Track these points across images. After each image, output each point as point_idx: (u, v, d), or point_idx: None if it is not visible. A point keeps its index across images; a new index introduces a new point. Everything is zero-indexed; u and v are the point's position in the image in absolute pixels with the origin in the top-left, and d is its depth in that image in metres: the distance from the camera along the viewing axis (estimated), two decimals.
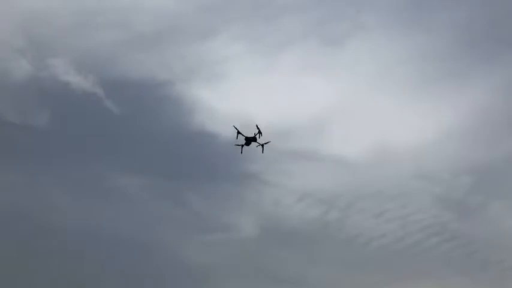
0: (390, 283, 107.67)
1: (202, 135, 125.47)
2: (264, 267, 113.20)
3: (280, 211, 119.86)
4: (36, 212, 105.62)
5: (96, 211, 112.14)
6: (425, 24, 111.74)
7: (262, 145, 24.74)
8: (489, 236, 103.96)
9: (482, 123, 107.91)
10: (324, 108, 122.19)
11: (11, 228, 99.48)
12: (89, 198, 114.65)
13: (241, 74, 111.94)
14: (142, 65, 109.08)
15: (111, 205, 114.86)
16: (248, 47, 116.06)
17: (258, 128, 24.67)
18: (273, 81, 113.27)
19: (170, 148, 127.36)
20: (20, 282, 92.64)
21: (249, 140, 24.40)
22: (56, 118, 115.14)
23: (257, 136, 24.58)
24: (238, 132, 24.66)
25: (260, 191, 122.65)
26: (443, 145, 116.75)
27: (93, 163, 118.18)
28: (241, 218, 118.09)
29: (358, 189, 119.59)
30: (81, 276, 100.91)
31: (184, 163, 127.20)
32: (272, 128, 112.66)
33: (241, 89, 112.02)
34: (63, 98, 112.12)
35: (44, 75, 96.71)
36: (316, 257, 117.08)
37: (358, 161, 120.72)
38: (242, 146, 24.36)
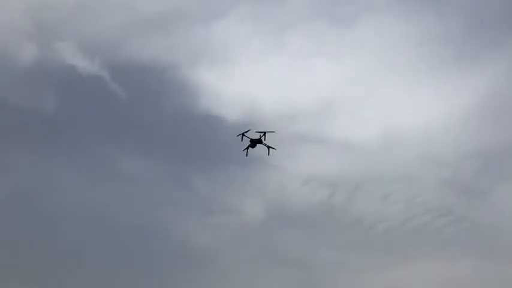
0: (395, 265, 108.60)
1: (208, 119, 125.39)
2: (269, 250, 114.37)
3: (285, 194, 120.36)
4: (43, 195, 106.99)
5: (102, 193, 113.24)
6: (436, 6, 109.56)
7: (269, 147, 24.50)
8: (495, 218, 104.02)
9: (491, 107, 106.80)
10: (331, 90, 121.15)
11: (18, 212, 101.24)
12: (95, 181, 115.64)
13: (247, 57, 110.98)
14: (148, 48, 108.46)
15: (116, 187, 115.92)
16: (254, 28, 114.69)
17: (261, 132, 24.42)
18: (280, 64, 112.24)
19: (176, 131, 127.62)
20: (26, 263, 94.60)
21: (254, 142, 24.07)
22: (62, 101, 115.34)
23: (262, 138, 24.25)
24: (243, 135, 24.34)
25: (265, 174, 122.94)
26: (451, 128, 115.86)
27: (100, 146, 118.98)
28: (247, 201, 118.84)
29: (364, 172, 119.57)
30: (86, 258, 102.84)
31: (189, 146, 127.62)
32: (278, 111, 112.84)
33: (247, 71, 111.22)
34: (70, 81, 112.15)
35: (50, 58, 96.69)
36: (321, 240, 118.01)
37: (364, 144, 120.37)
38: (247, 148, 24.04)
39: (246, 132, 24.11)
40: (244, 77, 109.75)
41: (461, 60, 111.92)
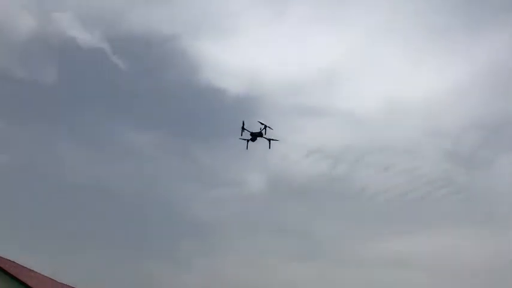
0: (396, 235, 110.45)
1: (210, 91, 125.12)
2: (271, 221, 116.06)
3: (287, 166, 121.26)
4: (45, 168, 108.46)
5: (104, 166, 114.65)
6: None
7: (269, 140, 23.98)
8: (496, 189, 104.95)
9: (494, 78, 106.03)
10: (333, 61, 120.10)
11: (20, 185, 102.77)
12: (97, 154, 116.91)
13: (249, 27, 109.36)
14: (148, 19, 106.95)
15: (118, 160, 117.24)
16: None
17: (262, 124, 23.92)
18: (282, 34, 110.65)
19: (177, 104, 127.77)
20: (27, 234, 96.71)
21: (255, 136, 23.49)
22: (62, 74, 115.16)
23: (263, 132, 23.69)
24: (243, 128, 23.77)
25: (267, 146, 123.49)
26: (454, 99, 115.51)
27: (101, 119, 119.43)
28: (248, 173, 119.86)
29: (366, 144, 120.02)
30: (89, 230, 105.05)
31: (191, 119, 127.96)
32: (280, 82, 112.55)
33: (249, 42, 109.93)
34: (70, 53, 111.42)
35: (49, 30, 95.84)
36: (323, 211, 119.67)
37: (367, 115, 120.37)
38: (247, 141, 23.48)
39: (243, 127, 23.56)
40: (246, 48, 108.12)
41: (465, 30, 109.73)
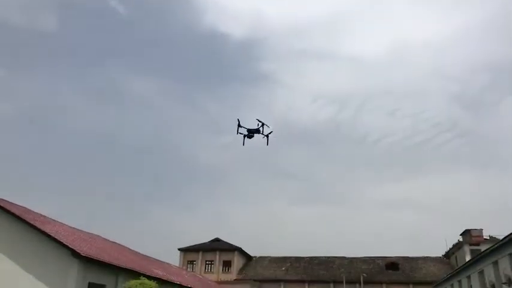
0: (399, 179, 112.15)
1: (214, 36, 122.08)
2: (275, 166, 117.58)
3: (292, 112, 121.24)
4: (51, 117, 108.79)
5: (111, 115, 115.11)
6: None
7: (267, 135, 23.03)
8: (500, 132, 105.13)
9: (502, 20, 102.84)
10: (338, 4, 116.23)
11: (26, 134, 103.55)
12: (103, 102, 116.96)
13: None
14: None
15: (125, 109, 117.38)
16: None
17: (260, 122, 22.88)
18: None
19: (181, 50, 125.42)
20: (34, 182, 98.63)
21: (252, 132, 22.51)
22: (62, 22, 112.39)
23: (260, 128, 22.68)
24: (239, 125, 22.72)
25: (273, 92, 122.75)
26: (462, 42, 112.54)
27: (105, 67, 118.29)
28: (254, 119, 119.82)
29: (372, 88, 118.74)
30: (98, 178, 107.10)
31: (196, 65, 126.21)
32: (284, 26, 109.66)
33: None
34: (69, 0, 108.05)
35: None
36: (327, 156, 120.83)
37: (372, 59, 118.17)
38: (244, 137, 22.52)
39: (239, 125, 22.65)
40: None
41: None
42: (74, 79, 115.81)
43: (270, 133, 22.22)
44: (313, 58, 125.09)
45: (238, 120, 22.05)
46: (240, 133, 21.97)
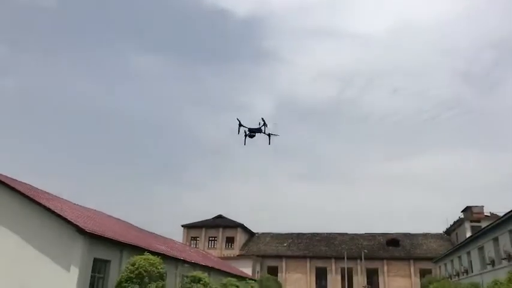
0: (401, 156, 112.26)
1: (216, 12, 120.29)
2: (279, 144, 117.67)
3: (296, 90, 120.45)
4: (53, 92, 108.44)
5: (112, 90, 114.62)
6: None
7: (269, 135, 22.68)
8: (504, 109, 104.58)
9: None
10: None
11: (29, 108, 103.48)
12: (105, 77, 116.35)
13: None
14: None
15: (126, 84, 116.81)
16: None
17: (263, 121, 22.51)
18: None
19: (183, 27, 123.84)
20: (38, 158, 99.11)
21: (253, 131, 22.21)
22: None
23: (262, 128, 22.33)
24: (240, 125, 22.37)
25: (276, 70, 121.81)
26: (467, 20, 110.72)
27: (107, 42, 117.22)
28: (257, 98, 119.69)
29: (376, 66, 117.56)
30: (98, 154, 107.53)
31: (199, 42, 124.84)
32: (289, 3, 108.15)
33: None
34: None
35: None
36: (329, 134, 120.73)
37: (377, 37, 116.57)
38: (245, 137, 22.22)
39: (240, 124, 22.34)
40: None
41: None
42: (75, 56, 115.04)
43: (274, 135, 22.11)
44: (316, 36, 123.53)
45: (238, 120, 21.94)
46: (243, 132, 21.88)
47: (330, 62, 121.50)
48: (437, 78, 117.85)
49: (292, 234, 63.50)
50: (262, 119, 22.62)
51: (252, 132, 22.30)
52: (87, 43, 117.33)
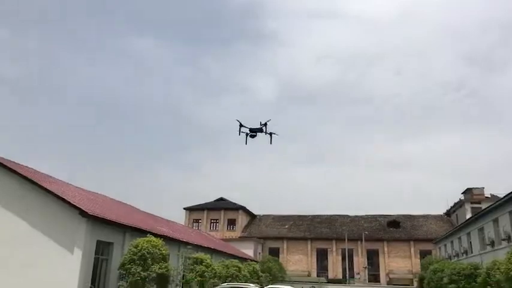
0: (406, 138, 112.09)
1: None
2: (280, 127, 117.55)
3: (297, 72, 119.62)
4: (53, 77, 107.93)
5: (112, 75, 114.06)
6: None
7: (271, 135, 22.53)
8: (508, 91, 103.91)
9: None
10: None
11: (28, 96, 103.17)
12: (105, 62, 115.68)
13: None
14: None
15: (126, 68, 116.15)
16: None
17: (265, 123, 22.37)
18: None
19: (184, 9, 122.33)
20: (41, 145, 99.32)
21: (254, 131, 22.09)
22: None
23: (263, 128, 22.20)
24: (241, 125, 22.20)
25: (277, 53, 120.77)
26: (471, 0, 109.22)
27: (106, 26, 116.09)
28: (258, 81, 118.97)
29: (379, 47, 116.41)
30: (98, 137, 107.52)
31: (199, 24, 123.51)
32: None
33: None
34: None
35: None
36: (331, 116, 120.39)
37: (381, 19, 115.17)
38: (246, 136, 22.07)
39: (241, 124, 22.19)
40: None
41: None
42: (74, 40, 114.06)
43: (275, 134, 22.09)
44: (318, 17, 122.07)
45: (238, 121, 21.91)
46: (242, 132, 21.87)
47: (331, 43, 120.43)
48: (441, 60, 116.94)
49: (293, 216, 64.01)
50: (261, 122, 22.67)
51: (252, 132, 22.37)
52: (85, 27, 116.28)
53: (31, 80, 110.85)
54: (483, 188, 52.37)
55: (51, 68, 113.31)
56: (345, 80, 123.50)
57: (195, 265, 22.72)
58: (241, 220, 62.02)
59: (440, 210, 61.69)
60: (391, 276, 53.97)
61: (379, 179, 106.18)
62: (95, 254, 17.70)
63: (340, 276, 54.47)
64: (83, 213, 16.82)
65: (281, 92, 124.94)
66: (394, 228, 58.31)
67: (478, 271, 22.29)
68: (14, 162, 19.63)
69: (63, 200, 17.20)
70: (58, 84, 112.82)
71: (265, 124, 22.36)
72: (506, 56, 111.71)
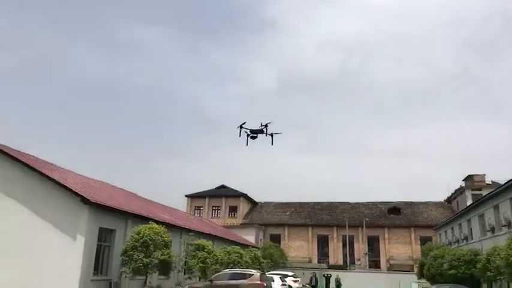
0: (407, 126, 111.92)
1: None
2: (281, 116, 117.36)
3: (298, 61, 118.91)
4: (55, 64, 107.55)
5: (114, 62, 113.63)
6: None
7: (272, 135, 22.40)
8: (509, 78, 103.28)
9: None
10: None
11: (31, 81, 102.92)
12: (106, 50, 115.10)
13: None
14: None
15: (128, 56, 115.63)
16: None
17: (266, 125, 22.21)
18: None
19: None
20: (43, 133, 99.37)
21: (255, 133, 21.96)
22: None
23: (264, 129, 22.06)
24: (241, 127, 22.04)
25: (279, 40, 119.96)
26: None
27: (108, 14, 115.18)
28: (259, 69, 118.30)
29: (381, 35, 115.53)
30: (102, 124, 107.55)
31: (200, 12, 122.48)
32: None
33: None
34: None
35: None
36: (331, 104, 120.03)
37: (383, 6, 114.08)
38: (247, 137, 21.94)
39: (243, 124, 22.01)
40: None
41: None
42: (76, 27, 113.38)
43: (277, 133, 22.04)
44: (320, 4, 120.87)
45: (241, 126, 21.83)
46: (245, 132, 21.81)
47: (334, 31, 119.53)
48: (443, 48, 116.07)
49: (294, 203, 64.21)
50: (261, 124, 22.63)
51: (253, 134, 22.37)
52: (87, 14, 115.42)
53: (28, 63, 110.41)
54: (484, 174, 52.37)
55: (51, 53, 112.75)
56: (346, 68, 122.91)
57: (197, 251, 22.89)
58: (243, 207, 62.28)
59: (441, 197, 61.84)
60: (391, 262, 54.34)
61: (379, 166, 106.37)
62: (98, 241, 17.82)
63: (340, 262, 54.85)
64: (85, 200, 16.89)
65: (281, 81, 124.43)
66: (394, 215, 58.52)
67: (478, 257, 22.40)
68: (14, 149, 19.64)
69: (65, 187, 17.25)
70: (55, 67, 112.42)
71: (266, 126, 22.38)
72: (508, 44, 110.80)
